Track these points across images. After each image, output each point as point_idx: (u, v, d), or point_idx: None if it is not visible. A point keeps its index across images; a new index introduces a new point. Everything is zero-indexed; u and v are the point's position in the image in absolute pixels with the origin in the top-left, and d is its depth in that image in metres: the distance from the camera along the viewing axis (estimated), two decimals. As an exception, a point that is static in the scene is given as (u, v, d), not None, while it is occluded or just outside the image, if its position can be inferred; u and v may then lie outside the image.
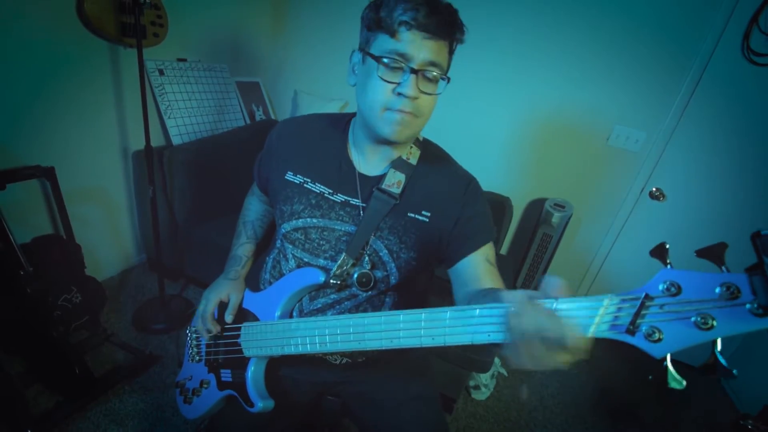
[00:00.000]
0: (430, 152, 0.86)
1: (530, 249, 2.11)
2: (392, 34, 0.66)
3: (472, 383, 1.75)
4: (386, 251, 0.79)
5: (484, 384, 1.72)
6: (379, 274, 0.80)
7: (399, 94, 0.68)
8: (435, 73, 0.68)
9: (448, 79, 0.72)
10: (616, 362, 2.19)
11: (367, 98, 0.71)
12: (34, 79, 1.44)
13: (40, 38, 1.41)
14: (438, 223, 0.80)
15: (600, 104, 1.98)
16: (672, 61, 1.80)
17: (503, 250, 2.36)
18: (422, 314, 0.59)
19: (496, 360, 1.88)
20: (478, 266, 0.78)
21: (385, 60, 0.67)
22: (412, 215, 0.79)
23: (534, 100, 2.08)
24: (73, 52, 1.52)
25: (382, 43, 0.68)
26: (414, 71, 0.67)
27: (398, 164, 0.80)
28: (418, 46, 0.66)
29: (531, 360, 0.47)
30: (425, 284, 0.99)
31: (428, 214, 0.80)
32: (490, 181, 2.13)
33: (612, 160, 2.05)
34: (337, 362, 0.88)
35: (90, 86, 1.63)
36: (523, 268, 2.18)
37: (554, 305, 0.48)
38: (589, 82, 1.96)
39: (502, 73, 2.09)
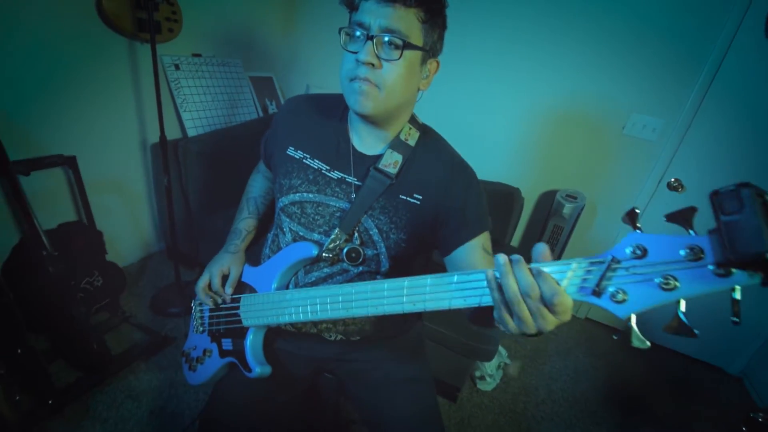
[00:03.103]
0: (430, 137, 0.86)
1: (540, 240, 2.07)
2: (355, 8, 0.70)
3: (477, 374, 1.74)
4: (376, 230, 0.80)
5: (489, 374, 1.72)
6: (369, 252, 0.82)
7: (358, 61, 0.69)
8: (392, 38, 0.67)
9: (414, 47, 0.70)
10: (630, 358, 2.14)
11: (340, 72, 0.74)
12: (57, 74, 1.53)
13: (62, 35, 1.50)
14: (430, 208, 0.80)
15: (615, 92, 1.92)
16: (691, 45, 1.73)
17: (514, 242, 2.33)
18: (405, 282, 0.62)
19: (503, 351, 1.87)
20: (473, 255, 0.78)
21: (347, 30, 0.70)
22: (404, 197, 0.80)
23: (547, 88, 2.03)
24: (93, 47, 1.60)
25: (350, 18, 0.72)
26: (370, 38, 0.68)
27: (396, 144, 0.81)
28: (374, 14, 0.67)
29: (516, 320, 0.51)
30: (421, 269, 0.99)
31: (420, 197, 0.80)
32: (500, 171, 2.11)
33: (628, 150, 1.99)
34: (332, 338, 0.91)
35: (110, 80, 1.71)
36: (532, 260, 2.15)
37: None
38: (605, 69, 1.90)
39: (514, 62, 2.06)
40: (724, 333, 2.06)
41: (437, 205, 0.80)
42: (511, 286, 0.49)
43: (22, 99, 1.45)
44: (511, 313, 0.51)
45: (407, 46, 0.68)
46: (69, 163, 1.52)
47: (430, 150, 0.84)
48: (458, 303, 0.57)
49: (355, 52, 0.69)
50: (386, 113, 0.77)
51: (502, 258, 0.50)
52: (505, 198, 1.93)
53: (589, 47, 1.90)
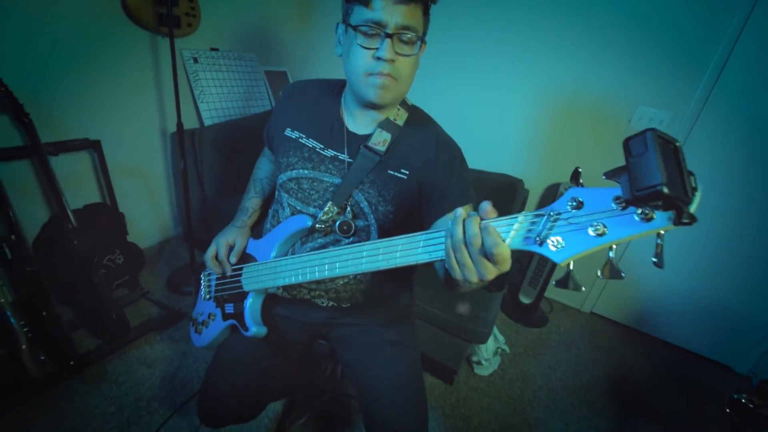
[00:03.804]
0: (417, 116, 0.92)
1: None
2: (366, 4, 0.73)
3: (474, 358, 1.78)
4: (366, 203, 0.87)
5: (485, 359, 1.75)
6: (360, 223, 0.88)
7: (378, 58, 0.74)
8: (409, 36, 0.74)
9: (423, 40, 0.78)
10: (635, 354, 2.13)
11: (351, 66, 0.79)
12: (84, 63, 1.65)
13: (90, 27, 1.62)
14: (416, 182, 0.87)
15: (622, 84, 1.92)
16: (699, 36, 1.72)
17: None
18: (380, 243, 0.69)
19: (500, 338, 1.90)
20: None
21: (363, 28, 0.74)
22: (392, 172, 0.86)
23: (553, 80, 2.05)
24: (118, 39, 1.72)
25: (359, 14, 0.75)
26: (389, 36, 0.73)
27: (385, 124, 0.87)
28: (390, 12, 0.72)
29: (460, 267, 0.56)
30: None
31: (407, 172, 0.86)
32: (505, 163, 2.14)
33: (634, 143, 1.98)
34: (324, 305, 0.98)
35: (133, 71, 1.84)
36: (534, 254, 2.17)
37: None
38: (611, 61, 1.90)
39: (520, 53, 2.07)
40: (734, 331, 2.04)
41: (422, 179, 0.87)
42: (458, 233, 0.55)
43: (52, 86, 1.58)
44: (457, 260, 0.56)
45: (420, 40, 0.75)
46: (94, 146, 1.65)
47: (417, 128, 0.90)
48: (424, 258, 0.64)
49: (373, 48, 0.75)
50: (397, 100, 0.85)
51: (460, 210, 0.57)
52: (507, 189, 1.96)
53: (594, 39, 1.90)
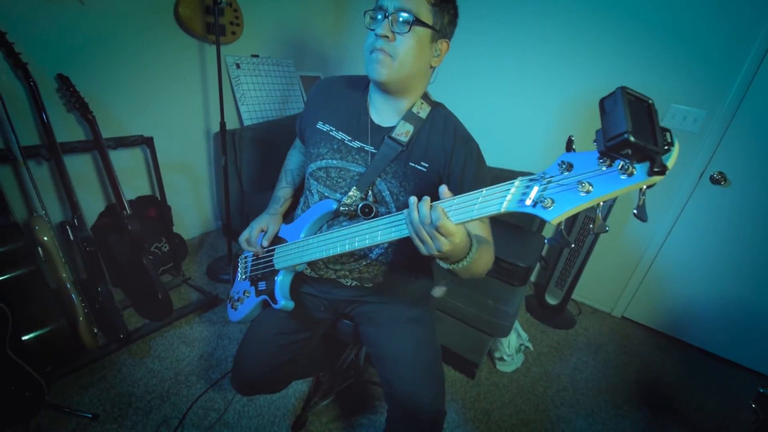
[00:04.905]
0: (440, 112, 0.98)
1: (570, 233, 2.07)
2: None
3: (497, 354, 1.79)
4: (388, 192, 0.94)
5: (508, 354, 1.76)
6: (382, 209, 0.95)
7: (376, 36, 0.84)
8: (405, 16, 0.81)
9: (428, 26, 0.83)
10: (669, 361, 2.06)
11: (364, 47, 0.88)
12: (141, 68, 1.83)
13: (146, 36, 1.80)
14: (434, 175, 0.93)
15: (654, 83, 1.89)
16: (734, 31, 1.68)
17: (545, 232, 2.34)
18: (391, 217, 0.76)
19: (524, 335, 1.90)
20: None
21: (371, 13, 0.86)
22: (413, 164, 0.93)
23: (583, 77, 2.04)
24: (170, 47, 1.90)
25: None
26: (386, 16, 0.82)
27: (409, 116, 0.94)
28: None
29: (421, 244, 0.69)
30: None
31: (426, 165, 0.93)
32: (532, 162, 2.14)
33: (667, 142, 1.94)
34: (348, 284, 1.05)
35: (182, 75, 2.01)
36: (562, 253, 2.15)
37: (481, 193, 0.63)
38: (642, 58, 1.88)
39: (550, 50, 2.08)
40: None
41: (440, 172, 0.93)
42: (414, 216, 0.68)
43: (113, 87, 1.75)
44: (419, 238, 0.69)
45: (416, 22, 0.82)
46: (148, 143, 1.81)
47: (438, 122, 0.96)
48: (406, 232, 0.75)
49: (374, 29, 0.85)
50: (399, 82, 0.89)
51: (413, 198, 0.69)
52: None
53: (623, 38, 1.89)
